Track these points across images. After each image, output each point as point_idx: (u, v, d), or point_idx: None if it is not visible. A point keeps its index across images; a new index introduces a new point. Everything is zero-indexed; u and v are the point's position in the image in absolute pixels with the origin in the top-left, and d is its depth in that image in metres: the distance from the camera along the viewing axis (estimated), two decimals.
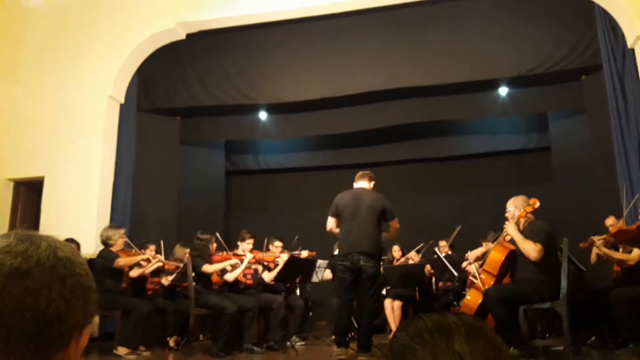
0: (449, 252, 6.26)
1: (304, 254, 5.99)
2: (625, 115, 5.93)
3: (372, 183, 4.91)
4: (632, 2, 5.81)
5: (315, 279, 6.16)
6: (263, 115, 8.42)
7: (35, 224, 6.54)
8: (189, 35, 7.49)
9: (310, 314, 6.74)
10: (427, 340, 0.73)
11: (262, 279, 5.83)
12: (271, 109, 8.25)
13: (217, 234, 5.61)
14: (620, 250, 4.76)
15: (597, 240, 4.53)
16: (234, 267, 5.43)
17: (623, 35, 6.02)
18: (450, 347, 0.72)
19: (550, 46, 6.67)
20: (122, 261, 5.14)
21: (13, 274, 0.64)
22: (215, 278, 5.38)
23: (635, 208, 4.96)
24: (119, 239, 5.34)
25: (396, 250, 6.72)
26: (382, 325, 6.13)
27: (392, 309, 5.92)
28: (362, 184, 4.87)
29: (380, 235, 4.68)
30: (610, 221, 5.04)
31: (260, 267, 5.73)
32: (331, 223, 4.77)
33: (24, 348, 0.64)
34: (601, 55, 6.28)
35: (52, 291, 0.66)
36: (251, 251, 5.67)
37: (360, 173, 4.97)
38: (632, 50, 5.88)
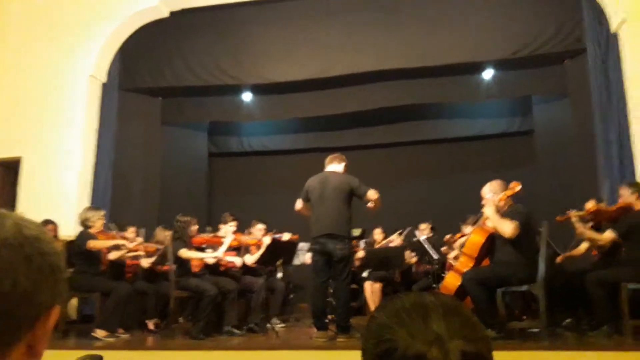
0: (430, 235, 6.29)
1: (286, 236, 5.98)
2: (607, 99, 5.95)
3: (343, 164, 4.87)
4: None
5: (296, 261, 6.17)
6: (247, 96, 8.33)
7: (12, 206, 6.45)
8: (172, 13, 7.35)
9: (291, 296, 6.76)
10: (405, 320, 0.74)
11: (243, 262, 5.81)
12: (255, 90, 8.17)
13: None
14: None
15: (574, 215, 4.57)
16: (214, 248, 5.41)
17: (607, 20, 6.01)
18: (427, 327, 0.72)
19: (535, 29, 6.66)
20: (93, 243, 5.06)
21: None
22: (195, 261, 5.35)
23: (614, 193, 5.00)
24: (98, 220, 5.27)
25: (378, 233, 6.75)
26: (362, 307, 6.18)
27: (372, 291, 5.95)
28: (333, 166, 4.85)
29: (349, 217, 4.64)
30: (590, 204, 5.08)
31: (239, 261, 5.66)
32: (298, 204, 4.82)
33: None
34: (585, 39, 6.28)
35: (17, 271, 0.63)
36: (234, 233, 5.65)
37: (330, 156, 4.94)
38: (616, 34, 5.88)
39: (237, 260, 5.59)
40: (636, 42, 5.64)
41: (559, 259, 5.06)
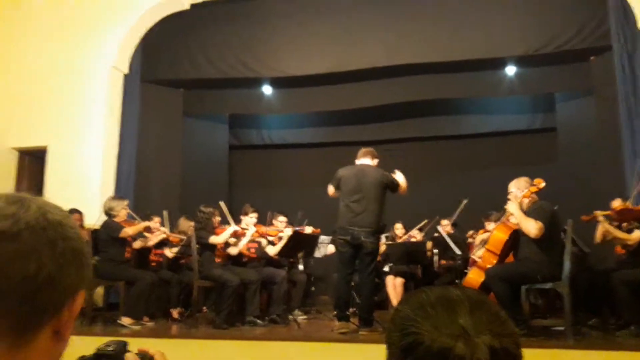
0: (452, 231, 6.28)
1: (308, 230, 6.01)
2: (634, 97, 5.88)
3: (376, 160, 4.91)
4: None
5: (318, 254, 6.20)
6: (267, 89, 8.35)
7: (40, 194, 6.53)
8: (193, 6, 7.38)
9: (313, 288, 6.80)
10: (430, 313, 0.73)
11: (265, 253, 5.86)
12: (275, 83, 8.18)
13: (222, 204, 5.58)
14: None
15: (600, 215, 4.53)
16: (238, 239, 5.45)
17: (634, 16, 5.93)
18: (453, 320, 0.71)
19: (559, 25, 6.59)
20: (129, 230, 5.15)
21: (1, 237, 0.62)
22: (218, 251, 5.41)
23: None
24: (122, 210, 5.34)
25: (399, 228, 6.75)
26: (384, 301, 6.19)
27: (394, 285, 5.96)
28: (366, 160, 4.87)
29: (382, 211, 4.70)
30: (616, 203, 5.04)
31: (264, 241, 5.75)
32: (331, 189, 4.85)
33: (15, 313, 0.62)
34: (611, 36, 6.20)
35: (42, 255, 0.63)
36: (255, 225, 5.70)
37: (363, 150, 4.97)
38: None
39: (262, 241, 5.63)
40: None
41: (617, 250, 4.91)
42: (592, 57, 6.88)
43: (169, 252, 5.84)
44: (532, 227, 4.11)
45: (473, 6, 6.86)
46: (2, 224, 0.63)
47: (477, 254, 4.92)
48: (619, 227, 4.72)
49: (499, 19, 6.76)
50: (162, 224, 5.94)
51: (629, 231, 4.67)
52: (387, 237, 6.66)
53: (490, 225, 5.46)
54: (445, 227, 6.23)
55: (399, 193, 4.82)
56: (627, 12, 6.00)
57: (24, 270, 0.62)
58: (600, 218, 4.53)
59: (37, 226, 0.65)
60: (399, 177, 4.79)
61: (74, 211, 5.56)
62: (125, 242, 5.27)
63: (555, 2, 6.60)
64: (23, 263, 0.62)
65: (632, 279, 4.10)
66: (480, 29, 6.80)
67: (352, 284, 5.03)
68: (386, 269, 6.24)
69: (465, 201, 5.88)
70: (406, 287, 5.93)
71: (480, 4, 6.84)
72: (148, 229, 5.52)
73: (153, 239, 5.57)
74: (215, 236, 5.24)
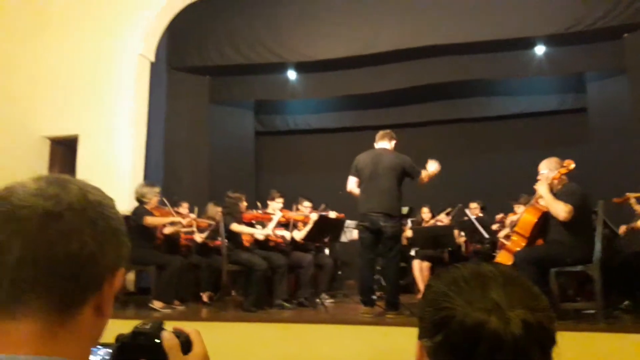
0: (481, 214, 6.22)
1: (332, 215, 6.03)
2: None
3: (393, 142, 4.86)
4: None
5: (344, 238, 6.22)
6: (292, 74, 8.35)
7: None
8: None
9: (339, 272, 6.84)
10: (463, 288, 0.73)
11: (292, 238, 5.90)
12: (300, 68, 8.17)
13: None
14: None
15: (633, 197, 4.43)
16: (263, 225, 5.51)
17: None
18: (486, 295, 0.71)
19: (591, 2, 6.40)
20: (150, 220, 5.24)
21: (45, 217, 0.65)
22: (246, 236, 5.47)
23: None
24: (154, 196, 5.44)
25: (425, 212, 6.71)
26: (410, 285, 6.19)
27: (420, 269, 5.96)
28: (383, 144, 4.84)
29: (400, 195, 4.66)
30: None
31: (287, 234, 5.76)
32: (352, 183, 4.80)
33: (59, 290, 0.65)
34: None
35: (84, 234, 0.66)
36: (281, 210, 5.74)
37: (380, 133, 4.92)
38: None
39: (286, 234, 5.68)
40: None
41: (621, 230, 4.86)
42: (625, 35, 6.67)
43: (198, 237, 5.93)
44: (561, 210, 4.04)
45: None
46: (45, 204, 0.66)
47: (502, 234, 4.86)
48: None
49: None
50: (191, 210, 6.03)
51: None
52: (412, 222, 6.64)
53: (519, 208, 5.38)
54: (474, 210, 6.17)
55: (419, 181, 4.72)
56: None
57: (68, 249, 0.65)
58: (633, 200, 4.43)
59: (79, 206, 0.67)
60: (432, 166, 4.68)
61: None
62: (154, 228, 5.38)
63: None
64: (66, 242, 0.65)
65: None
66: (508, 8, 6.66)
67: (378, 268, 5.04)
68: (412, 253, 6.23)
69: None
70: (433, 272, 5.92)
71: None
72: (172, 222, 5.59)
73: (183, 228, 5.65)
74: (237, 224, 5.29)
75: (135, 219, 5.24)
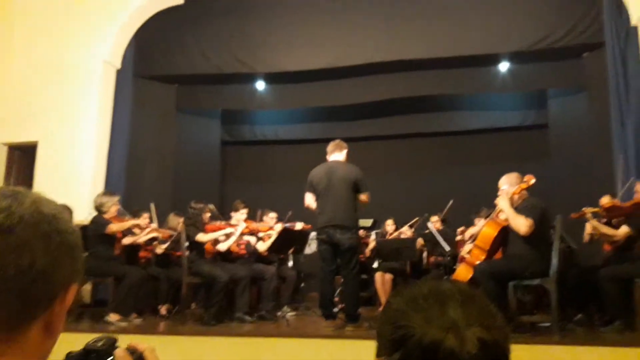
0: (441, 227, 6.28)
1: (299, 226, 6.00)
2: (626, 94, 5.87)
3: (345, 152, 4.87)
4: None
5: (308, 250, 6.19)
6: (261, 85, 8.33)
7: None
8: (187, 0, 7.34)
9: (302, 285, 6.80)
10: (422, 305, 0.73)
11: (255, 250, 5.85)
12: (269, 78, 8.16)
13: (152, 206, 5.57)
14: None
15: (589, 212, 4.52)
16: (227, 236, 5.44)
17: (627, 12, 5.91)
18: (444, 313, 0.71)
19: (553, 21, 6.58)
20: (114, 227, 5.14)
21: None
22: (208, 247, 5.39)
23: (631, 189, 4.96)
24: (113, 206, 5.33)
25: (389, 225, 6.74)
26: (373, 297, 6.19)
27: (382, 282, 5.96)
28: (336, 155, 4.84)
29: (355, 206, 4.67)
30: (605, 200, 5.03)
31: (253, 239, 5.74)
32: (309, 199, 4.78)
33: (8, 306, 0.62)
34: (604, 33, 6.19)
35: (35, 248, 0.64)
36: (245, 221, 5.68)
37: (332, 144, 4.91)
38: (636, 28, 5.79)
39: (252, 239, 5.62)
40: None
41: (606, 248, 4.91)
42: (585, 54, 6.87)
43: (159, 249, 5.82)
44: (522, 224, 4.11)
45: (468, 3, 6.84)
46: None
47: (465, 249, 4.92)
48: (609, 224, 4.71)
49: (493, 16, 6.75)
50: (150, 218, 5.92)
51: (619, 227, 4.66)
52: (377, 234, 6.66)
53: (480, 222, 5.45)
54: (435, 223, 6.23)
55: (360, 200, 4.69)
56: (621, 8, 5.98)
57: (18, 264, 0.62)
58: (589, 215, 4.53)
59: (31, 220, 0.65)
60: (365, 197, 4.66)
61: (63, 207, 5.53)
62: (114, 238, 5.26)
63: None
64: (17, 256, 0.62)
65: (618, 275, 4.11)
66: (474, 26, 6.79)
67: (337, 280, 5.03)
68: (375, 265, 6.24)
69: (451, 202, 5.87)
70: (395, 284, 5.94)
71: (475, 1, 6.81)
72: (136, 227, 5.50)
73: (142, 236, 5.54)
74: (203, 234, 5.22)
75: (94, 229, 5.12)
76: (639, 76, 5.71)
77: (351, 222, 4.63)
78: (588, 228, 4.73)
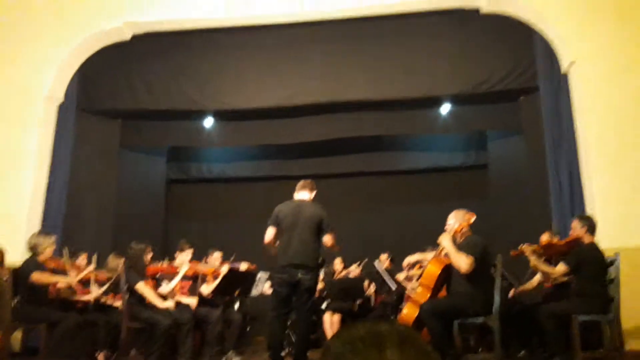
0: (390, 266, 6.31)
1: (244, 266, 5.89)
2: (559, 136, 6.16)
3: (313, 193, 4.90)
4: (567, 29, 6.07)
5: (254, 292, 6.06)
6: (209, 122, 8.27)
7: None
8: (134, 37, 7.26)
9: (248, 328, 6.61)
10: (360, 348, 0.73)
11: (199, 292, 5.67)
12: (217, 115, 8.12)
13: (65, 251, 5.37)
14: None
15: (527, 249, 4.66)
16: (169, 279, 5.26)
17: (558, 60, 6.27)
18: (382, 355, 0.71)
19: (491, 66, 6.88)
20: (36, 276, 4.80)
21: None
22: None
23: (565, 227, 5.17)
24: (48, 247, 5.05)
25: (338, 264, 6.73)
26: (320, 339, 6.10)
27: (331, 322, 5.90)
28: (303, 194, 4.85)
29: (318, 247, 4.66)
30: (544, 237, 5.23)
31: (193, 302, 5.48)
32: (270, 233, 4.71)
33: None
34: (538, 78, 6.53)
35: None
36: (190, 261, 5.52)
37: (301, 182, 4.95)
38: (566, 75, 6.14)
39: (192, 302, 5.38)
40: (585, 83, 5.89)
41: (511, 294, 5.16)
42: (521, 97, 7.22)
43: (95, 292, 5.53)
44: (463, 262, 4.20)
45: (412, 48, 7.07)
46: None
47: (410, 287, 4.96)
48: (549, 261, 4.87)
49: (435, 60, 7.00)
50: (89, 259, 5.65)
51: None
52: (325, 273, 6.62)
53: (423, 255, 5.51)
54: (384, 262, 6.26)
55: (324, 241, 4.68)
56: (553, 56, 6.34)
57: None
58: (527, 252, 4.67)
59: None
60: (329, 239, 4.66)
61: None
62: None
63: (489, 45, 6.91)
64: None
65: (556, 312, 4.22)
66: (417, 69, 7.02)
67: (288, 323, 4.94)
68: (323, 305, 6.17)
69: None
70: (343, 324, 5.88)
71: (418, 46, 7.06)
72: (69, 272, 5.17)
73: (77, 278, 5.24)
74: (144, 284, 5.01)
75: (25, 272, 4.82)
76: (570, 120, 6.02)
77: (314, 262, 4.61)
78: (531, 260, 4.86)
